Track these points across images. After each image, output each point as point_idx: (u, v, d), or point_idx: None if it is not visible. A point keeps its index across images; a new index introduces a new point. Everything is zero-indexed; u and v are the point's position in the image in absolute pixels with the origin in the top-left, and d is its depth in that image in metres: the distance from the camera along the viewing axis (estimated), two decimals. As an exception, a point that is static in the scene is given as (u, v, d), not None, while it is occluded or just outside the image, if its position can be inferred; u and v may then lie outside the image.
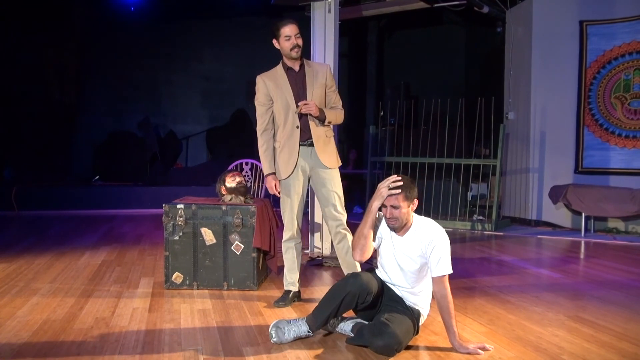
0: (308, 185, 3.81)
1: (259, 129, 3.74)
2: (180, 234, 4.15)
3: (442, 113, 7.77)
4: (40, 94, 10.09)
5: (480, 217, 7.73)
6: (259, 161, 5.74)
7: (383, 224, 3.09)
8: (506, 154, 8.12)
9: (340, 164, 3.78)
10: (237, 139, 10.99)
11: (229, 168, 5.37)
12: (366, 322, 3.04)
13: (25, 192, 8.79)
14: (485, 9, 8.08)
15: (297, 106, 3.59)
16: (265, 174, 3.77)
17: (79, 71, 10.64)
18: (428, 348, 2.96)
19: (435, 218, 7.55)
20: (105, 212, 8.79)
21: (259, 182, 5.58)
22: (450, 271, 2.92)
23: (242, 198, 4.32)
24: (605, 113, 7.27)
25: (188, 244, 4.15)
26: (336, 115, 3.72)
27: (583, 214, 6.95)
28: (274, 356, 2.83)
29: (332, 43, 5.37)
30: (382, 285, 3.08)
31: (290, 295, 3.80)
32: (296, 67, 3.70)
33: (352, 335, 3.03)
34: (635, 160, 7.06)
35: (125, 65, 10.77)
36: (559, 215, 7.49)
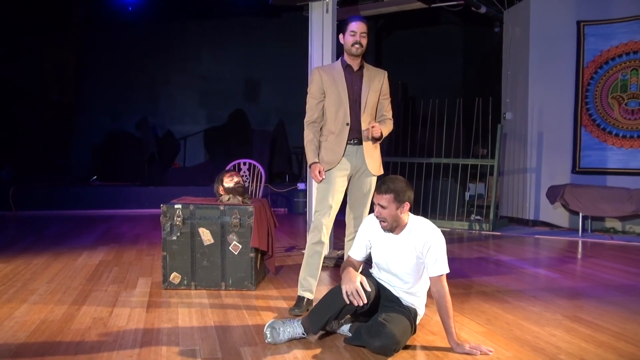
0: (348, 184, 3.71)
1: (307, 120, 3.67)
2: (178, 234, 4.15)
3: (440, 113, 7.78)
4: (38, 93, 10.07)
5: (478, 217, 7.74)
6: (257, 161, 5.78)
7: (371, 230, 3.10)
8: (504, 154, 8.13)
9: (382, 172, 3.73)
10: (235, 139, 10.99)
11: (227, 168, 5.37)
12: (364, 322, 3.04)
13: (22, 192, 8.78)
14: (483, 9, 8.09)
15: (366, 130, 3.55)
16: (309, 163, 3.66)
17: (77, 71, 10.63)
18: (426, 348, 2.96)
19: (433, 218, 7.68)
20: (103, 212, 8.79)
21: (256, 182, 5.58)
22: (447, 271, 2.93)
23: (239, 198, 4.32)
24: (602, 113, 7.28)
25: (186, 244, 4.15)
26: (388, 128, 3.71)
27: (580, 214, 6.96)
28: (272, 356, 2.83)
29: (329, 43, 5.37)
30: (378, 288, 3.08)
31: (305, 302, 3.61)
32: (355, 67, 3.66)
33: (350, 335, 3.03)
34: (632, 160, 7.08)
35: (123, 65, 10.75)
36: (557, 215, 7.50)
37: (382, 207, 2.92)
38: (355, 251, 3.16)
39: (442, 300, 2.90)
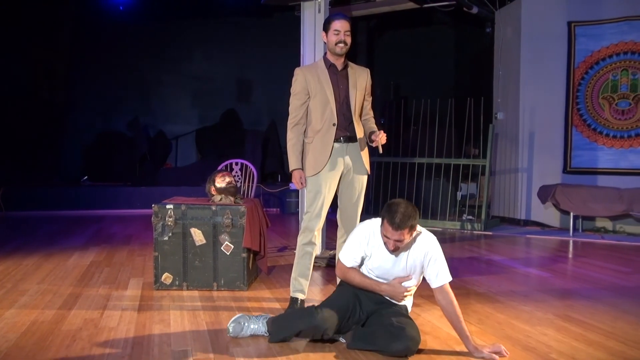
0: (339, 183, 3.63)
1: (291, 122, 3.57)
2: (170, 234, 4.13)
3: (432, 113, 7.80)
4: (28, 93, 10.02)
5: (470, 217, 7.76)
6: (249, 161, 5.77)
7: (367, 242, 2.95)
8: (495, 154, 8.16)
9: (370, 171, 3.71)
10: (226, 139, 10.97)
11: (219, 168, 5.36)
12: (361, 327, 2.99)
13: (13, 192, 8.73)
14: (475, 10, 8.12)
15: (372, 140, 3.50)
16: (291, 168, 3.58)
17: (68, 71, 10.58)
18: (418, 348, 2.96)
19: (425, 218, 7.70)
20: (94, 212, 8.75)
21: (248, 182, 5.57)
22: (450, 278, 2.90)
23: (232, 198, 4.31)
24: (593, 113, 7.32)
25: (178, 245, 4.14)
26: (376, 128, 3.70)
27: (571, 214, 6.99)
28: (264, 357, 2.82)
29: (322, 43, 5.36)
30: (354, 302, 2.98)
31: (298, 303, 3.58)
32: (339, 66, 3.58)
33: (345, 341, 2.96)
34: (622, 160, 7.12)
35: (114, 65, 10.71)
36: (548, 214, 7.53)
37: (399, 241, 2.78)
38: (348, 259, 3.00)
39: (450, 307, 2.86)
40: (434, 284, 2.90)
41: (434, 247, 2.90)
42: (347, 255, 3.01)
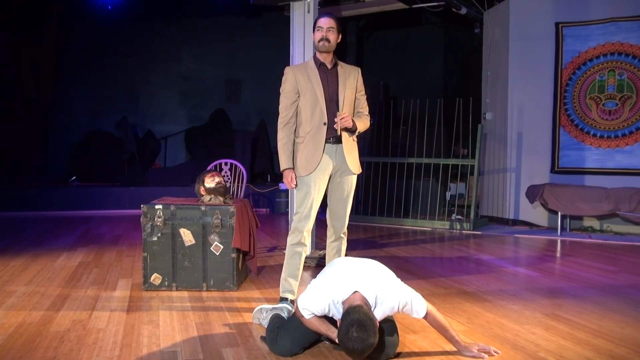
0: (328, 183, 3.62)
1: (281, 122, 3.56)
2: (159, 234, 4.12)
3: (421, 113, 7.82)
4: (15, 93, 9.93)
5: (459, 217, 7.79)
6: (239, 161, 5.76)
7: (330, 311, 2.74)
8: (484, 154, 8.20)
9: (361, 171, 3.69)
10: (216, 139, 10.95)
11: (208, 168, 5.35)
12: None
13: (0, 193, 8.64)
14: (463, 10, 8.16)
15: (334, 122, 3.46)
16: (282, 168, 3.56)
17: (55, 70, 10.50)
18: (407, 347, 2.98)
19: (414, 218, 7.72)
20: (82, 213, 8.70)
21: (238, 182, 5.56)
22: (425, 309, 2.79)
23: (221, 198, 4.30)
24: (580, 113, 7.38)
25: (167, 245, 4.12)
26: (365, 124, 3.63)
27: (559, 213, 7.05)
28: (254, 358, 2.82)
29: (311, 43, 5.36)
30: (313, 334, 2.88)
31: (288, 303, 3.56)
32: (328, 64, 3.57)
33: (329, 342, 2.95)
34: (609, 160, 7.18)
35: (102, 64, 10.66)
36: (536, 214, 7.58)
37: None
38: (305, 312, 2.78)
39: (437, 323, 2.84)
40: (417, 316, 2.82)
41: (400, 295, 2.76)
42: (304, 308, 2.78)
